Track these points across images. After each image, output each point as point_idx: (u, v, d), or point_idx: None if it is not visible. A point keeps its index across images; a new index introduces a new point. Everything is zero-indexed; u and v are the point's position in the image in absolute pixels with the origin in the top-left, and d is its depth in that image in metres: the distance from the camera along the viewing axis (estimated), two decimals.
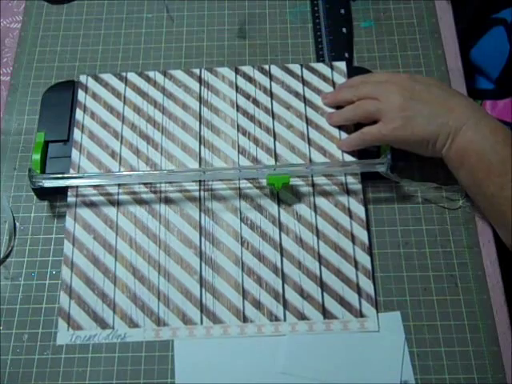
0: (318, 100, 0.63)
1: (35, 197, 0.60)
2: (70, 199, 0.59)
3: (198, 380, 0.52)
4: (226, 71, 0.65)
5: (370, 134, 0.57)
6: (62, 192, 0.59)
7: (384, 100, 0.56)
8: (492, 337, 0.53)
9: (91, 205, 0.59)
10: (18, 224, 0.60)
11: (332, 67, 0.65)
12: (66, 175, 0.59)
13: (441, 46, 0.67)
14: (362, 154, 0.60)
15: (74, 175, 0.59)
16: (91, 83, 0.65)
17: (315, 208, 0.58)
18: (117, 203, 0.59)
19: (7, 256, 0.58)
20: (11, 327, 0.55)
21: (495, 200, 0.52)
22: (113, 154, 0.61)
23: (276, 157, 0.61)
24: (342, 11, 0.69)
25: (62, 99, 0.64)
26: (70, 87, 0.65)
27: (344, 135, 0.61)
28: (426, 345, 0.53)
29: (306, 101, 0.64)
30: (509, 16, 0.67)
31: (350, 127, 0.61)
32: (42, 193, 0.60)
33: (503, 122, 0.64)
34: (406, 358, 0.53)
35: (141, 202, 0.59)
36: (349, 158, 0.60)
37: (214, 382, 0.52)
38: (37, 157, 0.59)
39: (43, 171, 0.60)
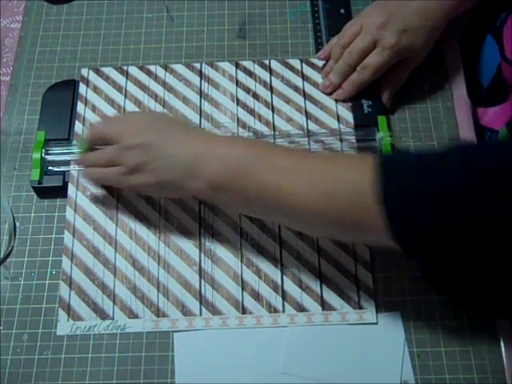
0: (317, 94, 0.64)
1: (35, 197, 0.60)
2: (71, 190, 0.59)
3: (198, 372, 0.53)
4: (226, 65, 0.66)
5: None
6: (61, 191, 0.60)
7: None
8: (492, 337, 0.53)
9: (91, 196, 0.59)
10: (18, 224, 0.60)
11: None
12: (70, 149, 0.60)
13: (441, 45, 0.67)
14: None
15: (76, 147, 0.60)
16: (92, 76, 0.66)
17: None
18: (117, 194, 0.59)
19: (7, 256, 0.58)
20: (11, 327, 0.55)
21: (266, 195, 0.48)
22: None
23: None
24: (342, 11, 0.69)
25: (62, 98, 0.64)
26: (70, 86, 0.65)
27: (342, 127, 0.62)
28: (426, 345, 0.53)
29: (305, 95, 0.64)
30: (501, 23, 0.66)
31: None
32: (43, 192, 0.60)
33: (491, 130, 0.64)
34: (406, 358, 0.53)
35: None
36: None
37: (213, 378, 0.52)
38: (37, 155, 0.60)
39: (43, 170, 0.60)
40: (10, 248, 0.58)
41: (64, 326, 0.55)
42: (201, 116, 0.63)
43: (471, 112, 0.64)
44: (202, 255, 0.57)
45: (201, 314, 0.55)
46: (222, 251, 0.57)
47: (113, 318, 0.55)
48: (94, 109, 0.64)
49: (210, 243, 0.57)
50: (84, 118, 0.63)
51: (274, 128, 0.62)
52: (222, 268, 0.56)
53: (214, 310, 0.55)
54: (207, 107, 0.64)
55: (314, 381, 0.52)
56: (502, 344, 0.53)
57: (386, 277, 0.56)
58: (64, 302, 0.55)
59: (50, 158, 0.60)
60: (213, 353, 0.53)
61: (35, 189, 0.59)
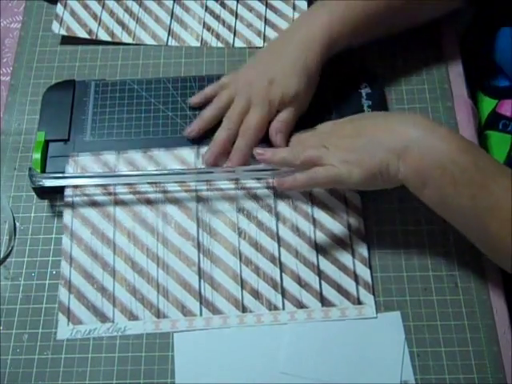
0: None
1: (35, 197, 0.60)
2: (68, 193, 0.59)
3: (198, 373, 0.52)
4: None
5: (322, 174, 0.53)
6: (62, 191, 0.59)
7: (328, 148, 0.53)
8: (492, 337, 0.53)
9: (89, 199, 0.59)
10: (18, 224, 0.60)
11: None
12: (66, 175, 0.59)
13: (441, 46, 0.67)
14: None
15: (75, 174, 0.59)
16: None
17: (311, 197, 0.59)
18: (114, 197, 0.59)
19: (7, 256, 0.58)
20: (11, 327, 0.55)
21: (470, 212, 0.49)
22: None
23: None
24: None
25: (62, 98, 0.64)
26: (70, 86, 0.65)
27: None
28: (426, 345, 0.53)
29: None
30: None
31: None
32: (43, 192, 0.60)
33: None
34: (406, 358, 0.53)
35: (138, 195, 0.59)
36: None
37: (213, 378, 0.52)
38: (37, 156, 0.60)
39: (43, 170, 0.60)
40: (10, 248, 0.58)
41: (64, 330, 0.54)
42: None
43: (472, 111, 0.64)
44: (201, 255, 0.57)
45: (201, 314, 0.55)
46: (220, 251, 0.57)
47: (113, 321, 0.55)
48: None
49: (208, 243, 0.57)
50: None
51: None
52: (221, 267, 0.56)
53: (214, 310, 0.55)
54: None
55: (313, 381, 0.52)
56: (502, 344, 0.53)
57: (386, 277, 0.56)
58: (63, 306, 0.55)
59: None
60: (213, 353, 0.53)
61: (35, 189, 0.59)
